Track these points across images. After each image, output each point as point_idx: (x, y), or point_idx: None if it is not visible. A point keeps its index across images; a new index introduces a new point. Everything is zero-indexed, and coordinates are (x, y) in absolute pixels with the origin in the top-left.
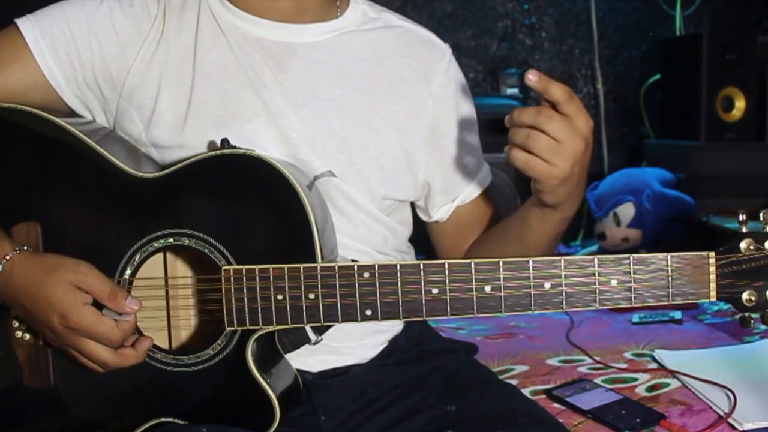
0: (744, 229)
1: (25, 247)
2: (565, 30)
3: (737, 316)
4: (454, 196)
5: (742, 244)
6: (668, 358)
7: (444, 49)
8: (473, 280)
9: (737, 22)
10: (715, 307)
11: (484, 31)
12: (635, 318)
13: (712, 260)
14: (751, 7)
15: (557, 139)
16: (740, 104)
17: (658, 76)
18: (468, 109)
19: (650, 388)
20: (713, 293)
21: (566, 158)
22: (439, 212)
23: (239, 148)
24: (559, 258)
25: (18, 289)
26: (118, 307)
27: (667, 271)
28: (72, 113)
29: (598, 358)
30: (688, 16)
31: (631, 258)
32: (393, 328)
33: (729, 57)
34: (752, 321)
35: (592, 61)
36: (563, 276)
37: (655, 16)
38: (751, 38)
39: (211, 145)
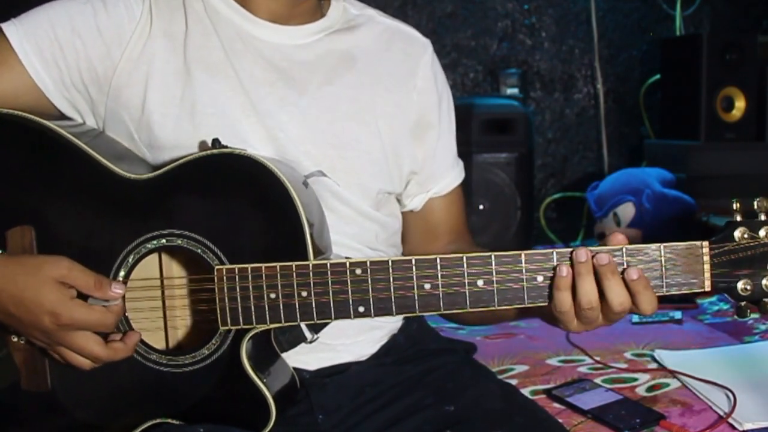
0: (738, 218)
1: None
2: (565, 30)
3: (732, 307)
4: (429, 188)
5: (736, 233)
6: (668, 358)
7: (426, 44)
8: (465, 275)
9: (737, 22)
10: (715, 307)
11: (484, 31)
12: (635, 318)
13: (705, 249)
14: (751, 7)
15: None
16: (740, 104)
17: (658, 76)
18: (447, 104)
19: (650, 388)
20: (708, 283)
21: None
22: (413, 201)
23: (230, 148)
24: (551, 251)
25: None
26: (105, 294)
27: (661, 261)
28: (62, 116)
29: (598, 358)
30: (688, 16)
31: (624, 249)
32: (389, 324)
33: (729, 57)
34: (749, 311)
35: (592, 61)
36: (556, 268)
37: (655, 16)
38: (751, 38)
39: (202, 145)
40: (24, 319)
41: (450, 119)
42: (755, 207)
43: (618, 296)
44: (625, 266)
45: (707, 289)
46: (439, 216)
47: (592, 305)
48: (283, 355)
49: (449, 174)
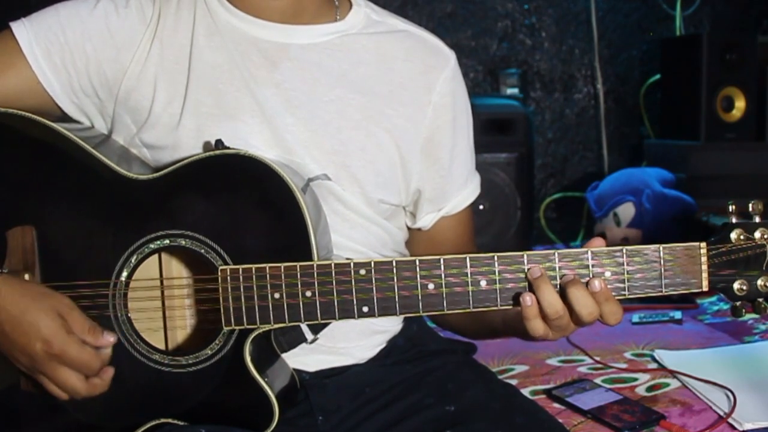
0: (734, 220)
1: (5, 270)
2: (565, 30)
3: (729, 306)
4: (440, 206)
5: (733, 235)
6: (668, 358)
7: (449, 56)
8: (468, 275)
9: (737, 22)
10: (715, 308)
11: (484, 31)
12: (635, 318)
13: (703, 250)
14: (751, 7)
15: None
16: (740, 104)
17: (658, 76)
18: (466, 119)
19: (650, 388)
20: (705, 283)
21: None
22: (424, 220)
23: (234, 149)
24: (553, 251)
25: None
26: (96, 341)
27: (660, 262)
28: (65, 117)
29: (598, 358)
30: (688, 16)
31: (624, 250)
32: (391, 328)
33: (729, 57)
34: (743, 310)
35: (592, 61)
36: (557, 269)
37: (655, 16)
38: (751, 38)
39: (206, 146)
40: (16, 341)
41: (467, 136)
42: (750, 209)
43: (585, 307)
44: (590, 276)
45: (705, 289)
46: (445, 236)
47: (559, 314)
48: (283, 356)
49: (461, 193)
